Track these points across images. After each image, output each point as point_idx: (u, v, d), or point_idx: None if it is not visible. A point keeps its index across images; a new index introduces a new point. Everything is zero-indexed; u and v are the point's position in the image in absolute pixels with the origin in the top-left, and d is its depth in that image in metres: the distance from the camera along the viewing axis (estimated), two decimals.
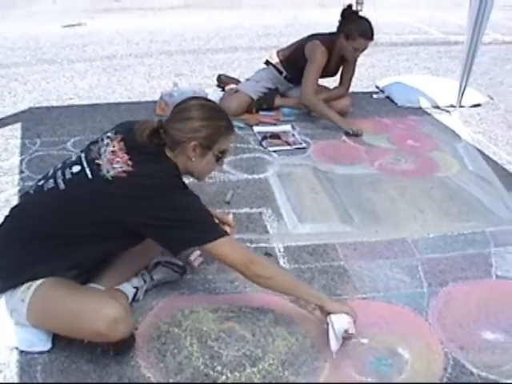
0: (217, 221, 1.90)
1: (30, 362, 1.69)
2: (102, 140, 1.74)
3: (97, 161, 1.67)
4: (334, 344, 1.75)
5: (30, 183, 2.49)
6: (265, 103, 3.78)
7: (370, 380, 1.70)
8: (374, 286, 2.14)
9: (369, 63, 5.20)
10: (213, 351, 1.78)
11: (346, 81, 3.74)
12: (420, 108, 4.08)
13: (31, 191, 1.78)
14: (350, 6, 3.47)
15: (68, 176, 1.68)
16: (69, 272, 1.75)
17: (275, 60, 3.78)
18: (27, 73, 4.60)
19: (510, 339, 1.88)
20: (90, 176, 1.66)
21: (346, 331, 1.76)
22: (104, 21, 6.72)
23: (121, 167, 1.63)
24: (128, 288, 1.92)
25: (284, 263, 2.25)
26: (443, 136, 3.60)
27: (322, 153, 3.27)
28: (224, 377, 1.68)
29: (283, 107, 3.81)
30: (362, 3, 6.39)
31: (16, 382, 1.63)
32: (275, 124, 3.64)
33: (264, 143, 3.33)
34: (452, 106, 4.06)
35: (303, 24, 6.30)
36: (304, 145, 3.34)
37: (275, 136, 3.43)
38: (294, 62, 3.66)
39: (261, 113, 3.76)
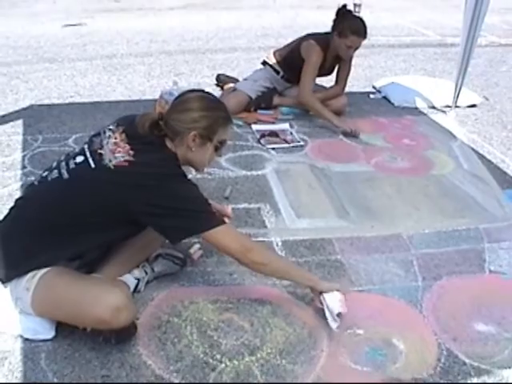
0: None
1: (34, 350, 1.74)
2: (104, 132, 1.79)
3: (99, 151, 1.72)
4: (331, 321, 1.84)
5: (33, 178, 2.52)
6: (263, 102, 3.82)
7: (365, 369, 1.75)
8: (370, 279, 2.18)
9: (366, 64, 5.26)
10: (212, 340, 1.82)
11: (341, 80, 3.77)
12: (416, 108, 4.13)
13: (35, 182, 1.83)
14: (344, 6, 3.51)
15: (72, 166, 1.73)
16: (72, 262, 1.80)
17: (272, 60, 3.83)
18: (28, 71, 4.64)
19: (501, 331, 1.93)
20: (92, 165, 1.70)
21: (339, 314, 1.83)
22: (104, 21, 6.76)
23: (122, 157, 1.68)
24: (130, 279, 1.97)
25: None
26: (439, 135, 3.66)
27: (319, 151, 3.32)
28: (223, 365, 1.73)
29: (281, 106, 3.86)
30: (359, 5, 6.45)
31: (21, 368, 1.67)
32: (273, 122, 3.68)
33: (262, 141, 3.38)
34: (448, 106, 4.10)
35: (301, 25, 6.35)
36: (302, 143, 3.39)
37: (273, 134, 3.47)
38: (290, 61, 3.71)
39: (259, 111, 3.80)
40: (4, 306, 1.77)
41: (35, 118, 3.58)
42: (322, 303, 1.88)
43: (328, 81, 3.89)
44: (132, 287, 1.96)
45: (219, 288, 2.08)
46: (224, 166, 3.03)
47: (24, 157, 3.01)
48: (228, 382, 1.67)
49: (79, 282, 1.73)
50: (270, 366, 1.74)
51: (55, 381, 1.63)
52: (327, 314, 1.85)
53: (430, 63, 5.52)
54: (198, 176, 2.71)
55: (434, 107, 4.16)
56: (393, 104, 4.19)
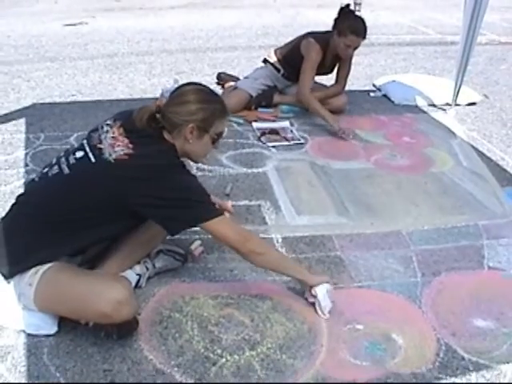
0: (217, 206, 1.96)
1: (37, 345, 1.75)
2: (102, 127, 1.80)
3: (99, 146, 1.73)
4: (321, 315, 1.94)
5: (35, 176, 2.54)
6: (263, 100, 3.83)
7: (364, 364, 1.77)
8: (370, 275, 2.20)
9: (366, 62, 5.27)
10: (213, 335, 1.84)
11: (341, 78, 3.78)
12: (416, 106, 4.15)
13: (36, 178, 1.85)
14: (347, 6, 3.53)
15: (72, 161, 1.75)
16: (74, 258, 1.82)
17: (273, 59, 3.84)
18: (30, 70, 4.65)
19: (500, 326, 1.95)
20: (93, 160, 1.72)
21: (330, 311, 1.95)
22: (105, 20, 6.77)
23: (122, 150, 1.70)
24: (131, 275, 1.98)
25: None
26: (438, 133, 3.67)
27: (320, 148, 3.33)
28: (224, 359, 1.75)
29: (282, 104, 3.87)
30: (359, 4, 6.45)
31: (24, 363, 1.69)
32: (274, 120, 3.70)
33: (263, 139, 3.40)
34: (448, 104, 4.12)
35: (301, 24, 6.36)
36: (302, 141, 3.41)
37: (274, 132, 3.49)
38: (291, 59, 3.72)
39: (259, 109, 3.82)
40: (7, 301, 1.79)
41: (37, 116, 3.59)
42: (313, 296, 1.95)
43: (329, 79, 3.90)
44: (133, 283, 1.98)
45: (220, 284, 2.10)
46: (225, 163, 3.05)
47: (26, 155, 3.03)
48: (229, 376, 1.69)
49: (81, 278, 1.75)
50: (270, 360, 1.75)
51: (57, 375, 1.65)
52: (317, 308, 1.94)
53: (430, 61, 5.53)
54: (199, 173, 2.72)
55: (433, 105, 4.17)
56: (393, 102, 4.20)
